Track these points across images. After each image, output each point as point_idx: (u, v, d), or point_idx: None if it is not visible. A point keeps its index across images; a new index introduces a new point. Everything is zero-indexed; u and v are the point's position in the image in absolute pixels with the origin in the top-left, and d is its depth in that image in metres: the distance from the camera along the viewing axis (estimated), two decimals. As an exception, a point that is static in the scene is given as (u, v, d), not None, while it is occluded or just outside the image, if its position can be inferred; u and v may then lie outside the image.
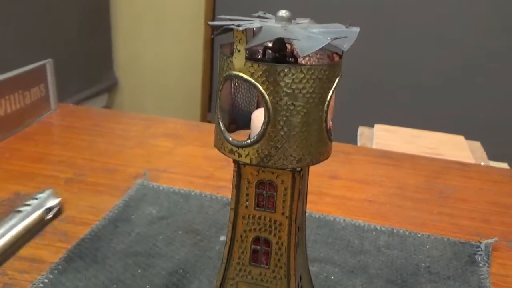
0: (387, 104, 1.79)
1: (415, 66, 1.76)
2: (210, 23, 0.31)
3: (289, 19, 0.32)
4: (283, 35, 0.29)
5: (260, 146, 0.31)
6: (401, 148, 0.91)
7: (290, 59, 0.34)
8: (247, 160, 0.31)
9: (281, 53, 0.34)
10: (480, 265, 0.52)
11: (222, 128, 0.32)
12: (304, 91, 0.30)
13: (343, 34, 0.31)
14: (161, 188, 0.62)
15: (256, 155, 0.31)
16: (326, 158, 0.33)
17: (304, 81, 0.29)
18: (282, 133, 0.30)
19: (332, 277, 0.49)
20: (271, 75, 0.29)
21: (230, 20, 0.32)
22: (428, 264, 0.52)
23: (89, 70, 1.99)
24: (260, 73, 0.29)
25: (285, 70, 0.29)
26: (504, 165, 0.96)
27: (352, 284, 0.48)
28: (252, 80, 0.30)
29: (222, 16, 0.32)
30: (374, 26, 1.74)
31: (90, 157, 0.70)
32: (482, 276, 0.51)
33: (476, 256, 0.54)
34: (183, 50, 2.09)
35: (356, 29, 0.32)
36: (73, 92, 1.85)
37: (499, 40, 1.67)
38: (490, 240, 0.56)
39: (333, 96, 0.31)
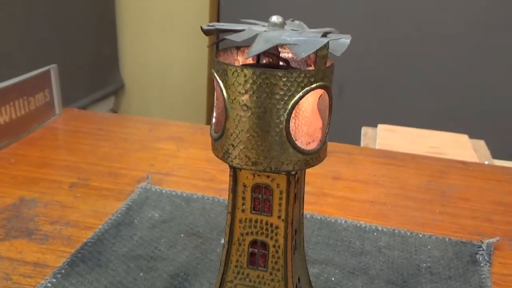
0: (390, 104, 1.79)
1: (417, 65, 1.76)
2: (204, 27, 0.32)
3: (282, 25, 0.33)
4: (281, 41, 0.30)
5: (221, 142, 0.32)
6: (404, 148, 0.91)
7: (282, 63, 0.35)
8: (216, 154, 0.33)
9: (274, 58, 0.34)
10: (482, 264, 0.53)
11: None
12: (257, 94, 0.30)
13: (336, 39, 0.31)
14: (163, 191, 0.63)
15: (220, 151, 0.33)
16: (296, 169, 0.32)
17: (257, 83, 0.30)
18: (237, 132, 0.31)
19: (333, 279, 0.49)
20: (227, 74, 0.30)
21: (222, 28, 0.32)
22: (429, 264, 0.52)
23: (96, 74, 2.01)
24: (221, 72, 0.31)
25: (238, 71, 0.30)
26: (509, 164, 0.95)
27: (352, 285, 0.48)
28: (217, 77, 0.31)
29: (214, 24, 0.33)
30: (376, 26, 1.74)
31: (94, 161, 0.71)
32: (483, 275, 0.51)
33: (477, 256, 0.54)
34: (189, 52, 2.10)
35: (348, 37, 0.32)
36: (80, 95, 1.86)
37: (502, 38, 1.66)
38: (492, 240, 0.56)
39: (311, 108, 0.32)
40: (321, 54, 0.30)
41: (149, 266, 0.49)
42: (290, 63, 0.35)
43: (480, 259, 0.53)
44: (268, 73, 0.30)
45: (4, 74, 0.79)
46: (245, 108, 0.30)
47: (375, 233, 0.57)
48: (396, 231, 0.57)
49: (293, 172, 0.33)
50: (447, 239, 0.56)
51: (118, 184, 0.65)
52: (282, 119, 0.30)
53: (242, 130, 0.31)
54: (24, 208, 0.58)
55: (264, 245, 0.35)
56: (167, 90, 2.21)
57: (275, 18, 0.32)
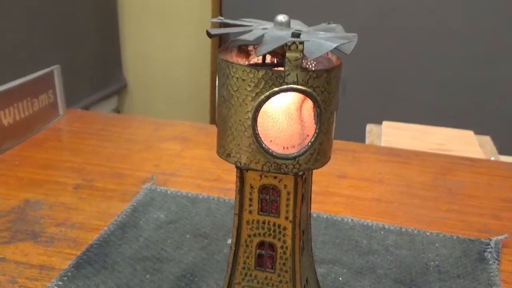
0: (395, 101, 1.78)
1: (422, 62, 1.75)
2: (212, 31, 0.32)
3: (288, 24, 0.32)
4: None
5: (217, 137, 0.33)
6: (409, 145, 0.91)
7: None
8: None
9: (279, 57, 0.34)
10: (490, 262, 0.52)
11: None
12: (230, 87, 0.31)
13: (345, 38, 0.31)
14: (168, 192, 0.62)
15: (217, 147, 0.33)
16: (265, 170, 0.32)
17: (231, 76, 0.30)
18: (220, 123, 0.32)
19: (340, 278, 0.49)
20: (219, 66, 0.31)
21: (229, 25, 0.32)
22: (437, 262, 0.52)
23: (99, 73, 2.01)
24: (217, 66, 0.32)
25: (221, 63, 0.31)
26: (515, 159, 0.95)
27: (360, 284, 0.48)
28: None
29: (218, 19, 0.32)
30: (379, 23, 1.73)
31: (98, 162, 0.70)
32: (492, 273, 0.50)
33: (486, 254, 0.53)
34: (192, 51, 2.10)
35: (354, 37, 0.31)
36: (84, 95, 1.86)
37: (508, 32, 1.66)
38: (500, 237, 0.56)
39: (285, 110, 0.31)
40: (292, 55, 0.29)
41: (156, 267, 0.49)
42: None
43: (489, 256, 0.53)
44: (238, 66, 0.30)
45: (8, 75, 0.79)
46: (222, 99, 0.31)
47: (382, 232, 0.57)
48: (403, 230, 0.57)
49: (300, 173, 0.33)
50: (454, 237, 0.56)
51: (123, 185, 0.65)
52: (249, 115, 0.30)
53: (222, 121, 0.32)
54: (29, 211, 0.58)
55: (272, 246, 0.35)
56: (170, 89, 2.21)
57: (281, 17, 0.32)
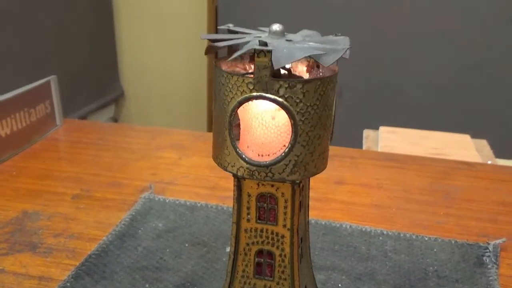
0: (391, 106, 1.79)
1: (417, 66, 1.75)
2: (207, 41, 0.32)
3: (282, 33, 0.33)
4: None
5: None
6: (406, 150, 0.91)
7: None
8: None
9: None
10: (489, 266, 0.52)
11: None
12: (216, 91, 0.32)
13: (338, 44, 0.31)
14: (166, 201, 0.62)
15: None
16: (239, 175, 0.32)
17: (217, 80, 0.32)
18: (213, 126, 0.34)
19: (340, 285, 0.49)
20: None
21: (222, 38, 0.32)
22: (436, 267, 0.52)
23: (95, 82, 2.01)
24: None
25: (214, 67, 0.32)
26: (512, 163, 0.95)
27: (359, 291, 0.48)
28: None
29: (208, 36, 0.33)
30: (375, 28, 1.74)
31: (96, 172, 0.70)
32: (490, 278, 0.50)
33: (484, 258, 0.54)
34: (188, 59, 2.10)
35: (346, 40, 0.32)
36: (81, 104, 1.86)
37: (503, 36, 1.66)
38: (498, 241, 0.56)
39: (258, 117, 0.31)
40: (260, 63, 0.29)
41: (155, 277, 0.49)
42: (292, 72, 0.35)
43: (487, 261, 0.53)
44: (220, 71, 0.31)
45: (5, 86, 0.79)
46: (212, 103, 0.33)
47: (380, 238, 0.57)
48: (402, 235, 0.57)
49: (297, 181, 0.33)
50: (453, 242, 0.56)
51: (121, 194, 0.65)
52: (226, 119, 0.31)
53: (213, 123, 0.33)
54: (28, 221, 0.58)
55: (270, 254, 0.35)
56: (167, 97, 2.21)
57: (275, 26, 0.32)
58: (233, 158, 0.32)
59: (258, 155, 0.32)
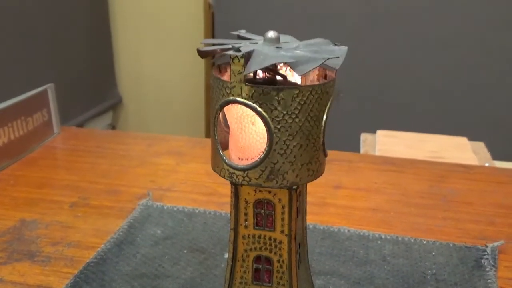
0: (389, 109, 1.79)
1: (414, 70, 1.76)
2: (201, 49, 0.32)
3: (277, 40, 0.33)
4: (281, 59, 0.30)
5: None
6: (404, 153, 0.91)
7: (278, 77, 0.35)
8: None
9: (270, 73, 0.34)
10: (487, 269, 0.52)
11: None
12: (211, 94, 0.33)
13: (333, 54, 0.31)
14: (165, 207, 0.62)
15: None
16: (222, 176, 0.33)
17: (213, 85, 0.32)
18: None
19: (338, 290, 0.49)
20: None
21: (219, 44, 0.32)
22: (434, 271, 0.52)
23: (93, 90, 2.01)
24: None
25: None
26: (510, 165, 0.95)
27: (358, 295, 0.48)
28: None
29: (209, 41, 0.33)
30: (372, 32, 1.74)
31: (94, 179, 0.70)
32: (489, 280, 0.50)
33: (482, 260, 0.54)
34: (186, 65, 2.10)
35: (345, 48, 0.32)
36: (78, 112, 1.86)
37: (500, 39, 1.67)
38: (496, 243, 0.56)
39: (236, 121, 0.32)
40: (235, 68, 0.29)
41: (154, 284, 0.49)
42: (288, 78, 0.35)
43: (485, 263, 0.53)
44: (211, 74, 0.32)
45: (1, 95, 0.79)
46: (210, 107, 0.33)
47: (378, 242, 0.57)
48: (400, 239, 0.57)
49: (294, 187, 0.33)
50: (451, 245, 0.56)
51: (118, 202, 0.64)
52: (212, 121, 0.32)
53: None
54: (25, 230, 0.58)
55: (268, 260, 0.35)
56: (165, 103, 2.21)
57: (271, 34, 0.32)
58: (217, 160, 0.33)
59: (239, 158, 0.33)
